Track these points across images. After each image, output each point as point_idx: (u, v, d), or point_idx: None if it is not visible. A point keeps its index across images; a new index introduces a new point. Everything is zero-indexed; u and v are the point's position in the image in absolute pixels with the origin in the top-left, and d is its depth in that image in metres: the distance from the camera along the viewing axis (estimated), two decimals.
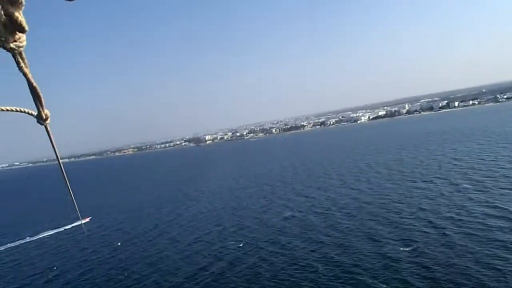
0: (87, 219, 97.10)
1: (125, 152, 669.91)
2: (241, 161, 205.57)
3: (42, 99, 3.91)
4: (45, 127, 4.46)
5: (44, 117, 4.21)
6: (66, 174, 5.92)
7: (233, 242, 62.60)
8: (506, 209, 57.75)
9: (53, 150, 5.14)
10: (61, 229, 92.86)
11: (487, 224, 52.87)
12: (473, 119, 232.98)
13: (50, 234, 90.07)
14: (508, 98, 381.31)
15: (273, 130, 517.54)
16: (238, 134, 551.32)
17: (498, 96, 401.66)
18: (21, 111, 4.09)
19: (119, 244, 72.78)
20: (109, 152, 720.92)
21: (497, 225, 52.08)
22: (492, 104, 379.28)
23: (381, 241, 52.77)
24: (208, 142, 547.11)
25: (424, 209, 64.38)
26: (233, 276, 48.84)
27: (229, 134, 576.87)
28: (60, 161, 5.65)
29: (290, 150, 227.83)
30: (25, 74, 3.39)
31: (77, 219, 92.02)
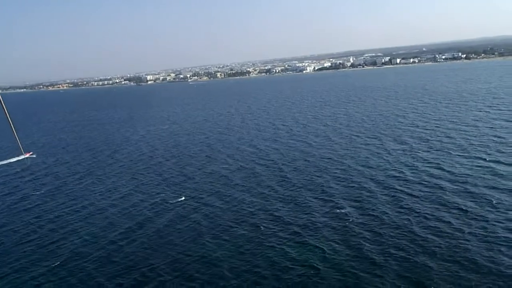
0: (29, 154, 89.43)
1: (59, 87, 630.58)
2: (185, 104, 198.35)
3: None
4: None
5: None
6: (4, 105, 8.33)
7: (173, 195, 58.73)
8: (449, 170, 58.07)
9: None
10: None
11: (432, 184, 52.82)
12: (415, 77, 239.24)
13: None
14: (446, 59, 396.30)
15: (218, 75, 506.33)
16: (181, 76, 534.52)
17: (437, 56, 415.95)
18: None
19: (52, 188, 66.74)
20: (41, 86, 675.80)
21: (440, 185, 52.13)
22: (431, 63, 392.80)
23: (327, 199, 51.24)
24: (149, 82, 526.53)
25: (371, 167, 63.61)
26: (170, 234, 45.21)
27: (172, 75, 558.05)
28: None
29: (234, 95, 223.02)
30: None
31: (19, 153, 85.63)
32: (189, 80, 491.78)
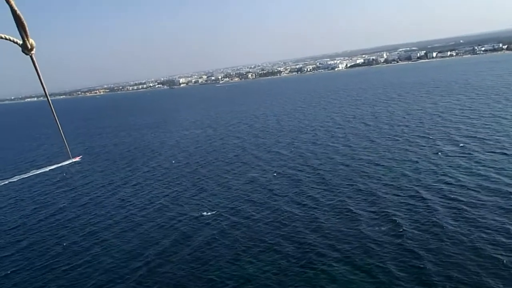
0: (77, 158, 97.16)
1: (96, 93, 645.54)
2: (214, 107, 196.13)
3: (27, 28, 3.91)
4: (31, 57, 4.37)
5: (29, 46, 4.16)
6: (55, 110, 5.92)
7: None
8: (499, 180, 51.76)
9: (39, 83, 4.90)
10: (52, 167, 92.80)
11: (481, 201, 46.32)
12: (454, 71, 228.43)
13: (40, 172, 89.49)
14: (485, 51, 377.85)
15: (249, 75, 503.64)
16: (213, 78, 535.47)
17: (476, 48, 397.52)
18: (5, 39, 4.03)
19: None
20: (79, 92, 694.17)
21: (491, 202, 45.45)
22: (469, 56, 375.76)
23: (358, 217, 46.13)
24: (182, 85, 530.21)
25: (408, 176, 58.00)
26: (207, 254, 41.97)
27: (204, 77, 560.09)
28: (48, 95, 5.41)
29: (266, 96, 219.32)
30: (7, 1, 3.47)
31: (68, 157, 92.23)
32: (220, 82, 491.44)
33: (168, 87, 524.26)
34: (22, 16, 3.69)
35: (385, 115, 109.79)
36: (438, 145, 71.76)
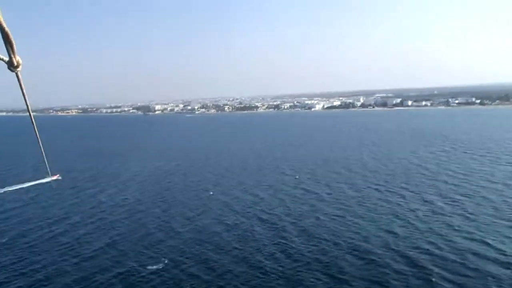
0: (56, 177, 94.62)
1: (68, 113, 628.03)
2: (187, 137, 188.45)
3: (14, 45, 3.99)
4: (16, 74, 4.50)
5: (16, 63, 4.25)
6: (36, 127, 6.02)
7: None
8: (497, 247, 46.39)
9: (23, 100, 5.05)
10: (29, 184, 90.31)
11: (477, 266, 41.24)
12: (430, 121, 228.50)
13: (17, 189, 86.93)
14: (459, 103, 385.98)
15: (226, 108, 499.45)
16: (189, 107, 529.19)
17: (450, 100, 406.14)
18: None
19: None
20: (51, 111, 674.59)
21: (487, 269, 40.46)
22: (444, 107, 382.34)
23: (340, 284, 39.55)
24: (157, 112, 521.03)
25: (396, 234, 52.09)
26: None
27: (181, 106, 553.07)
28: (31, 112, 5.65)
29: (238, 131, 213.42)
30: None
31: (46, 175, 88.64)
32: (196, 112, 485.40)
33: (143, 113, 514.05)
34: (10, 33, 3.72)
35: (358, 163, 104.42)
36: (413, 203, 65.87)
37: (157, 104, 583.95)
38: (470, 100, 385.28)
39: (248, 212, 65.31)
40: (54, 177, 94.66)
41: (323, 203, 68.47)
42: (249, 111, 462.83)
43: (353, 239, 51.56)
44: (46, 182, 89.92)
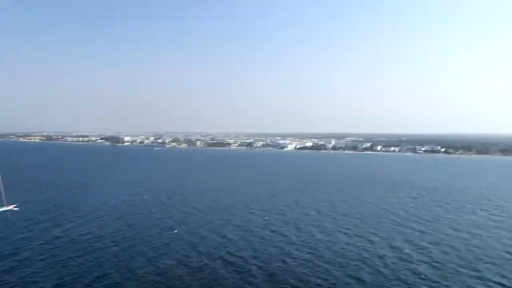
0: (12, 207, 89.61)
1: (30, 139, 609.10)
2: (155, 171, 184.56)
3: None
4: None
5: None
6: None
7: None
8: None
9: None
10: None
11: None
12: (398, 166, 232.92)
13: None
14: (425, 151, 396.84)
15: (198, 143, 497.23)
16: (160, 140, 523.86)
17: (417, 147, 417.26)
18: None
19: None
20: (12, 136, 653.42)
21: None
22: (411, 153, 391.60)
23: None
24: (126, 143, 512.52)
25: (364, 282, 51.00)
26: None
27: (151, 138, 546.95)
28: None
29: (208, 167, 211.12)
30: None
31: (1, 204, 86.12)
32: (166, 146, 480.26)
33: (111, 144, 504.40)
34: None
35: (328, 205, 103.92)
36: (381, 249, 65.16)
37: (126, 135, 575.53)
38: (435, 148, 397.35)
39: (213, 253, 62.99)
40: (10, 207, 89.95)
41: (292, 246, 66.93)
42: (221, 147, 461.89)
43: (320, 285, 50.00)
44: (1, 212, 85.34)
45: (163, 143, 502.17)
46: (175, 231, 75.88)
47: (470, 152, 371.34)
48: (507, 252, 63.75)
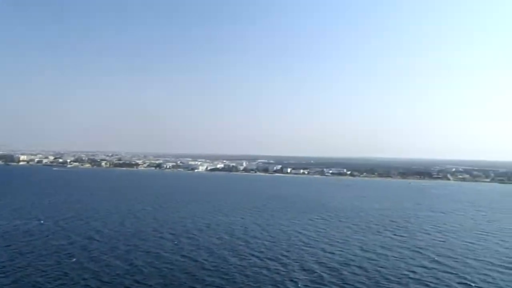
0: None
1: None
2: (53, 194, 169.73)
3: None
4: None
5: None
6: None
7: None
8: None
9: None
10: None
11: None
12: (307, 188, 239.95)
13: None
14: (332, 173, 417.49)
15: (103, 163, 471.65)
16: (61, 160, 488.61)
17: (324, 169, 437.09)
18: None
19: None
20: None
21: None
22: (319, 176, 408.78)
23: None
24: (22, 162, 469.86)
25: None
26: None
27: (51, 158, 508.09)
28: None
29: (115, 189, 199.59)
30: None
31: None
32: (68, 166, 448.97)
33: (4, 163, 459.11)
34: None
35: (240, 228, 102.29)
36: (294, 272, 64.53)
37: (22, 153, 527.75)
38: (342, 171, 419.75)
39: (118, 282, 57.54)
40: None
41: (203, 272, 63.62)
42: (128, 168, 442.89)
43: None
44: None
45: (64, 162, 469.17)
46: (74, 259, 68.68)
47: (373, 175, 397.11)
48: (411, 271, 66.39)
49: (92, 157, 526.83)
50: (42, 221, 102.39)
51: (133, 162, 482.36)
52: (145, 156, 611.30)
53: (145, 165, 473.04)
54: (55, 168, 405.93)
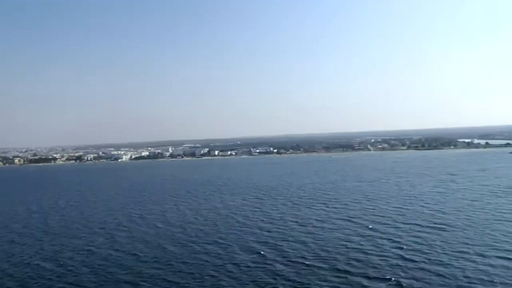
0: None
1: None
2: None
3: None
4: None
5: None
6: None
7: None
8: None
9: None
10: None
11: None
12: (236, 170, 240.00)
13: None
14: (260, 153, 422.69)
15: (16, 160, 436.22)
16: None
17: (252, 149, 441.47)
18: None
19: None
20: None
21: None
22: (246, 156, 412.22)
23: None
24: None
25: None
26: None
27: None
28: None
29: (36, 186, 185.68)
30: None
31: None
32: None
33: None
34: None
35: (175, 215, 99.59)
36: (237, 254, 63.79)
37: None
38: (268, 150, 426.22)
39: (48, 285, 52.93)
40: None
41: (141, 264, 60.69)
42: (45, 163, 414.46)
43: None
44: None
45: None
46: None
47: (299, 151, 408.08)
48: (348, 241, 68.13)
49: (3, 155, 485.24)
50: None
51: (50, 157, 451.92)
52: (63, 149, 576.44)
53: (63, 158, 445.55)
54: None
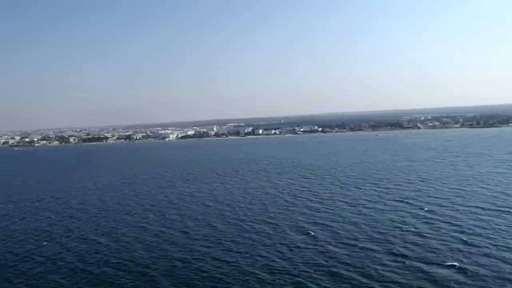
0: None
1: None
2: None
3: None
4: None
5: None
6: None
7: None
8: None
9: None
10: None
11: None
12: (282, 149, 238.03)
13: None
14: (304, 131, 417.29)
15: (71, 139, 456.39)
16: (27, 139, 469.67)
17: (296, 128, 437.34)
18: None
19: None
20: None
21: None
22: (291, 135, 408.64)
23: None
24: None
25: (273, 273, 47.62)
26: None
27: (17, 138, 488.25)
28: None
29: (79, 164, 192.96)
30: None
31: None
32: (35, 145, 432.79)
33: None
34: None
35: (223, 194, 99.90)
36: (288, 235, 62.80)
37: None
38: (313, 128, 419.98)
39: (104, 260, 54.33)
40: None
41: (191, 242, 60.97)
42: (97, 143, 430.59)
43: None
44: None
45: (31, 142, 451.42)
46: (57, 242, 64.90)
47: (344, 130, 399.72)
48: (403, 223, 65.42)
49: (60, 134, 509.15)
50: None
51: (102, 136, 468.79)
52: (114, 129, 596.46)
53: (114, 138, 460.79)
54: (16, 148, 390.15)
